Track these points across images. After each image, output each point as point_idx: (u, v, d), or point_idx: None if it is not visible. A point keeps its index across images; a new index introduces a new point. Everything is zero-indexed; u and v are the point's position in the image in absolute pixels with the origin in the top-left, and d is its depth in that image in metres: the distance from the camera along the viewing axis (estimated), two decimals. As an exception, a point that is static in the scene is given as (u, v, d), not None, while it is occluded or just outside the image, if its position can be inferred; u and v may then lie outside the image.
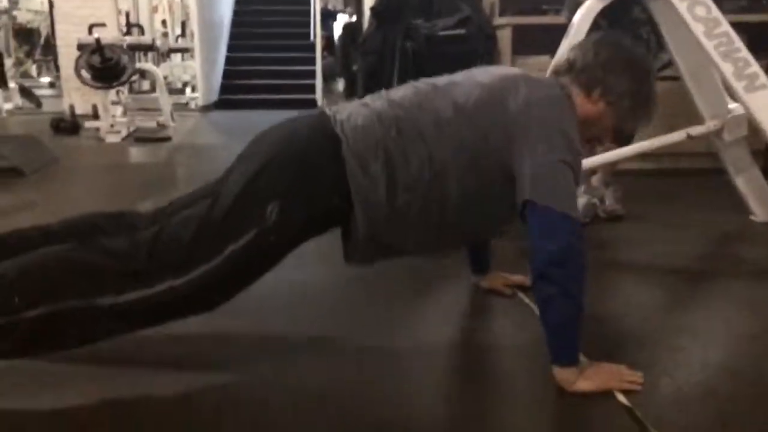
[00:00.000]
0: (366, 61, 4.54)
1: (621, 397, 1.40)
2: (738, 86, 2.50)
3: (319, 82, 8.83)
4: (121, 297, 1.35)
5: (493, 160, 1.47)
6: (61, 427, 1.30)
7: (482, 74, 1.59)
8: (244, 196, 1.41)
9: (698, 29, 2.48)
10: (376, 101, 1.55)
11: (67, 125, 5.99)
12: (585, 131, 1.54)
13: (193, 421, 1.32)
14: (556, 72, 1.62)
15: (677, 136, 2.80)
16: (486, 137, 1.47)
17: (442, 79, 1.60)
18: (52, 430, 1.29)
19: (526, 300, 1.90)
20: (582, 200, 2.92)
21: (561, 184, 1.41)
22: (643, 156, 2.95)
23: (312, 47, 9.19)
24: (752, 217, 2.87)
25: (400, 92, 1.57)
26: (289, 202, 1.41)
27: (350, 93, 9.65)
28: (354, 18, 10.67)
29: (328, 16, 11.74)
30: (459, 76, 1.61)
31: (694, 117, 2.87)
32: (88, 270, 1.37)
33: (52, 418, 1.32)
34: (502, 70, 1.61)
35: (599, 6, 2.63)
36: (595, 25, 2.70)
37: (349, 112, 1.50)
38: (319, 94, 8.75)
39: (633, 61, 1.58)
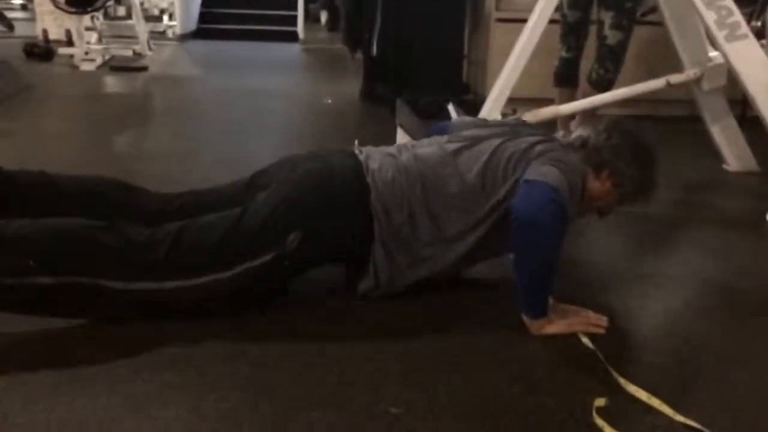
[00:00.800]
0: (349, -5, 4.46)
1: (585, 340, 1.45)
2: (719, 35, 2.50)
3: (300, 14, 8.62)
4: (130, 285, 1.38)
5: (506, 216, 1.52)
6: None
7: (506, 137, 1.64)
8: (271, 221, 1.47)
9: (684, -25, 2.46)
10: (402, 153, 1.64)
11: (40, 51, 5.83)
12: (587, 204, 1.62)
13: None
14: (570, 146, 1.65)
15: (657, 83, 2.81)
16: (506, 201, 1.53)
17: (467, 135, 1.67)
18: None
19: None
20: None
21: (556, 174, 1.46)
22: (622, 102, 2.97)
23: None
24: (725, 166, 2.92)
25: (425, 149, 1.65)
26: (311, 235, 1.48)
27: (333, 27, 9.46)
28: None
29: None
30: (482, 132, 1.68)
31: (674, 64, 2.88)
32: (106, 253, 1.38)
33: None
34: (531, 136, 1.65)
35: (587, -53, 2.60)
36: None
37: (380, 163, 1.60)
38: (300, 27, 8.56)
39: (642, 150, 1.64)
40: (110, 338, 1.39)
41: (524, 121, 1.97)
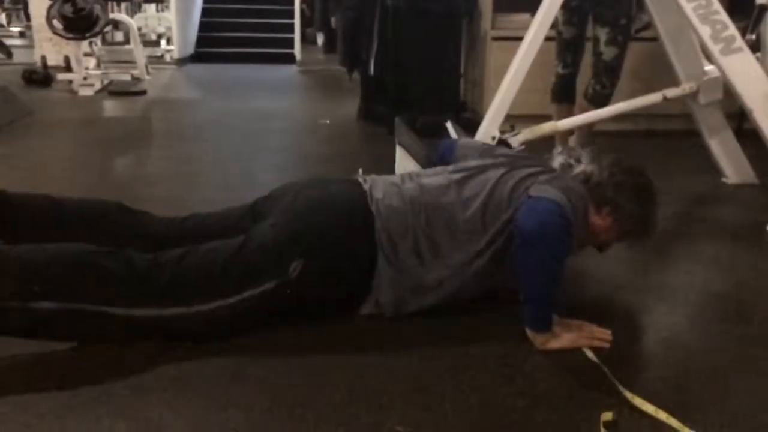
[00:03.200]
0: (345, 17, 4.48)
1: (590, 354, 1.44)
2: (714, 49, 2.52)
3: (297, 36, 8.68)
4: (133, 311, 1.38)
5: (508, 244, 1.54)
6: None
7: (511, 170, 1.64)
8: (274, 249, 1.47)
9: (678, -9, 2.48)
10: (407, 183, 1.65)
11: (39, 77, 5.85)
12: (588, 238, 1.63)
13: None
14: (574, 178, 1.67)
15: (654, 97, 2.83)
16: (508, 229, 1.54)
17: (471, 168, 1.68)
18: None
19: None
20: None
21: (560, 194, 1.46)
22: (619, 117, 2.98)
23: (291, 0, 9.00)
24: (724, 179, 2.93)
25: (432, 178, 1.66)
26: (313, 263, 1.48)
27: (330, 49, 9.51)
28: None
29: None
30: (488, 161, 1.70)
31: (670, 79, 2.89)
32: (108, 278, 1.38)
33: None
34: (536, 168, 1.66)
35: (581, -34, 2.63)
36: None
37: (384, 192, 1.60)
38: (297, 49, 8.61)
39: (643, 189, 1.66)
40: (111, 360, 1.39)
41: (527, 152, 1.98)
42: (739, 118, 3.27)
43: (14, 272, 1.35)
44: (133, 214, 1.67)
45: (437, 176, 1.68)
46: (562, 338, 1.48)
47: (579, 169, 1.74)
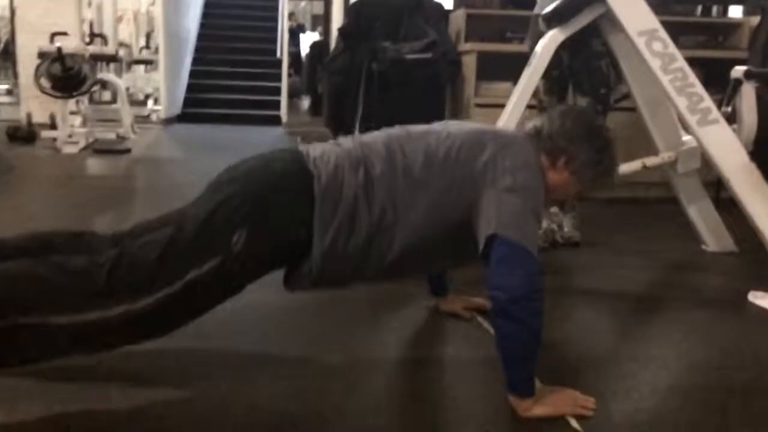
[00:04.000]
0: (332, 81, 4.56)
1: (574, 423, 1.42)
2: (691, 120, 2.58)
3: (284, 99, 8.82)
4: (77, 317, 1.32)
5: (456, 212, 1.51)
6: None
7: (456, 127, 1.63)
8: (212, 223, 1.40)
9: (655, 64, 2.56)
10: (348, 142, 1.60)
11: (23, 134, 5.86)
12: (550, 195, 1.61)
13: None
14: (525, 138, 1.65)
15: (634, 165, 2.87)
16: (452, 189, 1.51)
17: (415, 127, 1.65)
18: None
19: (485, 324, 1.92)
20: (542, 224, 2.97)
21: (528, 224, 1.45)
22: (600, 184, 3.01)
23: (278, 64, 9.18)
24: (704, 247, 2.95)
25: (373, 136, 1.62)
26: (257, 232, 1.41)
27: (315, 112, 9.66)
28: (321, 37, 10.70)
29: (297, 32, 11.74)
30: (433, 126, 1.65)
31: (649, 148, 2.95)
32: (45, 287, 1.33)
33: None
34: (477, 125, 1.66)
35: (561, 37, 2.71)
36: (557, 56, 2.77)
37: (322, 150, 1.54)
38: (284, 111, 8.73)
39: (595, 133, 1.65)
40: (79, 417, 1.33)
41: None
42: (716, 186, 3.33)
43: None
44: (79, 234, 1.56)
45: (379, 133, 1.63)
46: (545, 405, 1.44)
47: (529, 125, 1.68)
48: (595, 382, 1.64)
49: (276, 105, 8.84)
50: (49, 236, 1.54)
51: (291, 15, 12.60)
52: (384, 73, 3.97)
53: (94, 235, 1.58)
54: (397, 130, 1.64)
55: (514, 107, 2.77)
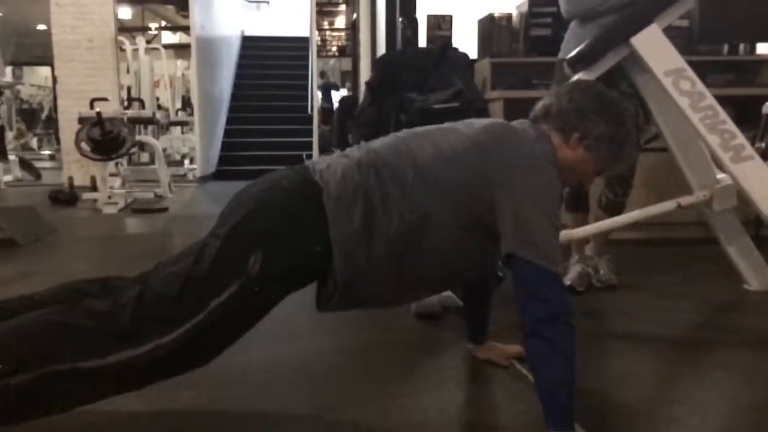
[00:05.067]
0: (360, 133, 4.62)
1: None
2: (725, 157, 2.55)
3: (315, 153, 8.95)
4: (106, 359, 1.33)
5: (475, 211, 1.47)
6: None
7: (466, 125, 1.61)
8: (227, 249, 1.41)
9: (684, 103, 2.54)
10: (354, 151, 1.57)
11: (65, 197, 6.04)
12: (568, 176, 1.57)
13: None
14: (534, 119, 1.63)
15: (668, 205, 2.83)
16: (467, 187, 1.48)
17: (423, 128, 1.62)
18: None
19: (523, 371, 1.88)
20: (576, 269, 2.93)
21: (546, 239, 1.42)
22: (635, 225, 2.98)
23: (309, 120, 9.36)
24: (745, 286, 2.88)
25: (379, 140, 1.60)
26: (272, 252, 1.40)
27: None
28: (350, 92, 10.92)
29: (330, 88, 11.99)
30: (441, 126, 1.63)
31: (683, 187, 2.91)
32: (71, 333, 1.34)
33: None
34: (487, 121, 1.62)
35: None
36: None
37: (329, 163, 1.52)
38: (315, 166, 8.85)
39: (607, 105, 1.59)
40: None
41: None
42: (755, 224, 3.26)
43: None
44: (108, 280, 1.59)
45: (386, 138, 1.60)
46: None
47: (537, 106, 1.63)
48: (638, 428, 1.59)
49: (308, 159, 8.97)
50: (77, 284, 1.58)
51: (322, 73, 12.93)
52: (412, 123, 4.01)
53: (119, 278, 1.60)
54: (403, 133, 1.61)
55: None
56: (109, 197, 5.71)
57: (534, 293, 1.38)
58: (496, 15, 4.44)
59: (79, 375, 1.32)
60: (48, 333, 1.34)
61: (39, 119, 14.41)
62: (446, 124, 1.63)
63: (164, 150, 7.50)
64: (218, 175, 8.96)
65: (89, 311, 1.37)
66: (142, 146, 7.56)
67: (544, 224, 1.42)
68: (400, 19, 5.13)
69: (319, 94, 9.47)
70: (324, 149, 9.59)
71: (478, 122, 1.61)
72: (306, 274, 1.49)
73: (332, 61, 16.25)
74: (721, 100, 2.60)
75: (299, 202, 1.46)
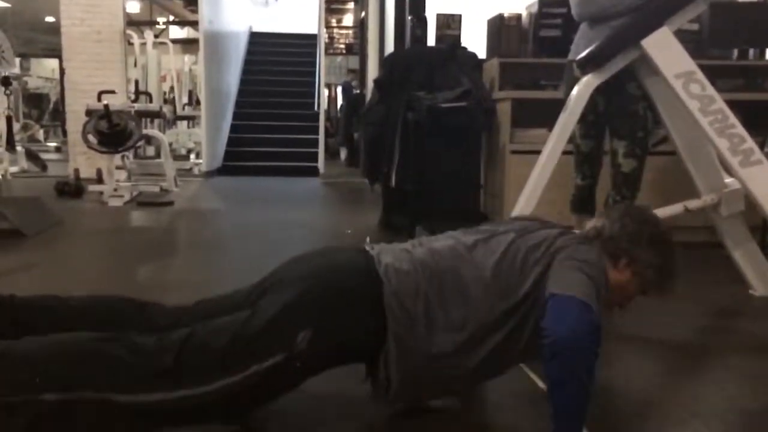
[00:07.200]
0: (368, 132, 4.63)
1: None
2: (733, 161, 2.53)
3: (321, 150, 8.96)
4: (140, 397, 1.33)
5: (529, 317, 1.49)
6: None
7: (519, 226, 1.63)
8: (279, 320, 1.42)
9: (693, 106, 2.53)
10: (416, 248, 1.59)
11: (71, 188, 6.05)
12: (612, 294, 1.58)
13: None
14: (587, 240, 1.64)
15: (675, 208, 2.82)
16: (524, 298, 1.49)
17: (482, 231, 1.64)
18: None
19: (528, 372, 1.88)
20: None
21: (584, 282, 1.41)
22: (641, 228, 2.96)
23: (315, 117, 9.37)
24: (751, 291, 2.87)
25: (441, 242, 1.62)
26: (321, 333, 1.42)
27: (352, 162, 9.79)
28: (357, 90, 10.91)
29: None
30: (498, 229, 1.64)
31: (691, 190, 2.90)
32: (114, 365, 1.35)
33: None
34: (544, 230, 1.61)
35: (596, 82, 2.71)
36: (592, 101, 2.77)
37: (393, 257, 1.54)
38: (321, 163, 8.86)
39: (657, 236, 1.65)
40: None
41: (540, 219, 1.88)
42: (762, 229, 3.25)
43: (15, 366, 1.31)
44: (144, 305, 1.62)
45: (448, 240, 1.61)
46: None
47: (589, 225, 1.68)
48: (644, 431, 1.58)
49: (314, 157, 8.98)
50: (113, 302, 1.60)
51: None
52: (420, 122, 4.02)
53: (158, 308, 1.63)
54: (462, 236, 1.63)
55: (551, 153, 2.77)
56: (115, 190, 5.71)
57: (559, 316, 1.37)
58: (505, 15, 4.44)
59: (107, 407, 1.32)
60: (92, 361, 1.35)
61: (47, 107, 14.46)
62: (504, 226, 1.64)
63: (170, 144, 7.51)
64: (224, 170, 8.97)
65: (135, 347, 1.38)
66: (149, 140, 7.58)
67: (588, 282, 1.42)
68: (410, 18, 5.13)
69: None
70: (328, 152, 9.61)
71: (539, 231, 1.59)
72: (348, 357, 1.53)
73: (339, 58, 16.24)
74: (730, 104, 2.59)
75: (358, 290, 1.49)
